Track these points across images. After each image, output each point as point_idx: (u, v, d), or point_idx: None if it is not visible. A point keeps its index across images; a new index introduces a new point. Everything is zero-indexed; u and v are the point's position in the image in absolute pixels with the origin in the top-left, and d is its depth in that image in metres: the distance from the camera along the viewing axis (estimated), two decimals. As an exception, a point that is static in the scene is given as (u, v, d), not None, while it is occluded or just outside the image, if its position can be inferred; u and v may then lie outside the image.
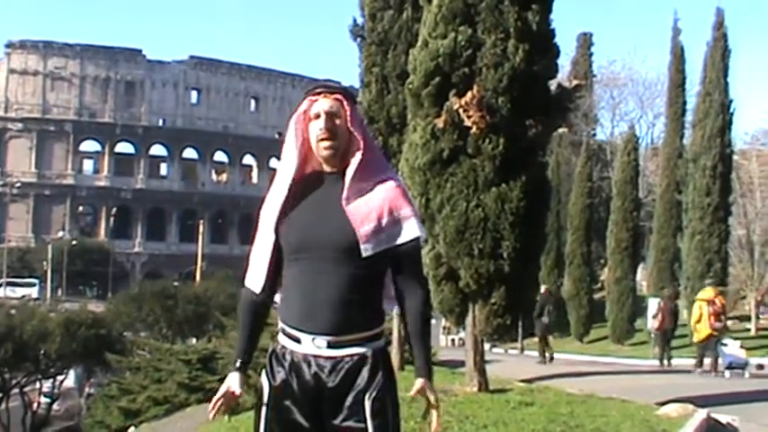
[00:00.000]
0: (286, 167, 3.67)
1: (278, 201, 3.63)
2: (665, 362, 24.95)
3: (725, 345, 22.36)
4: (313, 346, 3.52)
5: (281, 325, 3.65)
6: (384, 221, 3.54)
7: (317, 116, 3.61)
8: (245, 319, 3.77)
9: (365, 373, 3.50)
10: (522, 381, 14.87)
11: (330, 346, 3.50)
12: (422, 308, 3.62)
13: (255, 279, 3.70)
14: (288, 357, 3.57)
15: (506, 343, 33.80)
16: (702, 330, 21.77)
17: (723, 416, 10.97)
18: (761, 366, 23.10)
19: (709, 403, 11.75)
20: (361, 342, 3.53)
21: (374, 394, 3.48)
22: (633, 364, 28.05)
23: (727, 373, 21.25)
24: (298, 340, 3.55)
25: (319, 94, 3.64)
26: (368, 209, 3.54)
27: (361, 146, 3.60)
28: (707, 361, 22.02)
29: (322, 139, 3.59)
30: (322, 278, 3.49)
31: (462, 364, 15.26)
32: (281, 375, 3.57)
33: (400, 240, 3.56)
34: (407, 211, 3.59)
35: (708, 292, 22.38)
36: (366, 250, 3.49)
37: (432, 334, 3.72)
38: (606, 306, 38.30)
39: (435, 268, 11.96)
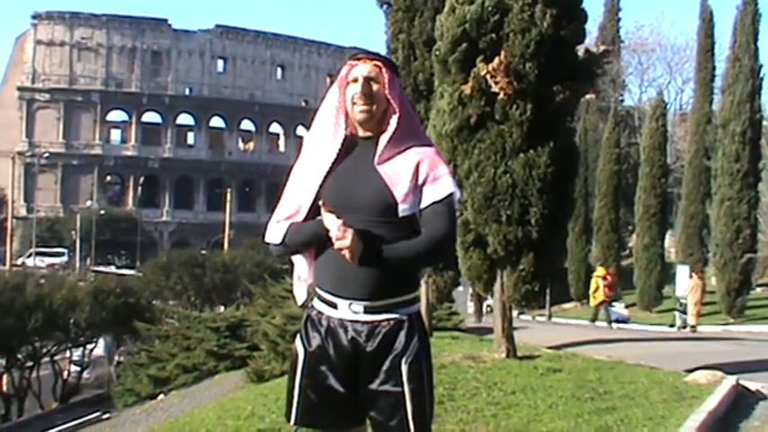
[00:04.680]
0: (332, 132, 3.66)
1: (324, 163, 3.62)
2: (610, 324, 28.96)
3: (613, 306, 31.76)
4: (350, 311, 3.53)
5: (316, 290, 3.65)
6: (419, 181, 3.55)
7: (355, 80, 3.62)
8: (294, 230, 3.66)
9: (402, 337, 3.52)
10: (550, 347, 14.86)
11: (367, 311, 3.52)
12: (432, 243, 3.54)
13: (279, 233, 3.66)
14: (324, 323, 3.58)
15: (534, 310, 33.79)
16: (598, 297, 29.68)
17: (752, 383, 10.89)
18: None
19: (737, 370, 11.67)
20: (397, 307, 3.54)
21: (411, 358, 3.51)
22: (661, 330, 28.02)
23: (614, 326, 28.45)
24: (334, 305, 3.56)
25: (359, 59, 3.65)
26: (402, 169, 3.54)
27: (398, 112, 3.59)
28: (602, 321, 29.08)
29: (358, 103, 3.59)
30: None
31: (490, 331, 15.27)
32: (316, 341, 3.59)
33: (435, 198, 3.55)
34: (442, 170, 3.59)
35: (601, 271, 30.80)
36: (404, 211, 3.50)
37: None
38: (634, 273, 38.25)
39: (463, 235, 11.90)
